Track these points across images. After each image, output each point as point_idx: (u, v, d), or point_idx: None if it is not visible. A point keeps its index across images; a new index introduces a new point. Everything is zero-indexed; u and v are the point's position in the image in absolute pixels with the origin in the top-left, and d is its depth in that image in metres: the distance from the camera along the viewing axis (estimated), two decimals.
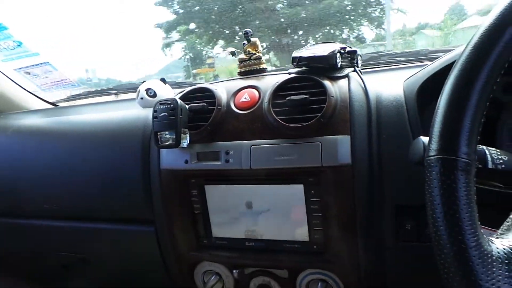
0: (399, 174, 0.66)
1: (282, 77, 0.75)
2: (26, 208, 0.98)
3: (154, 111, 0.73)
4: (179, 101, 0.72)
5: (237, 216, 0.77)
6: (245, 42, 0.84)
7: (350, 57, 0.77)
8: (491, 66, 0.35)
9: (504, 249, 0.33)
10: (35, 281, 1.25)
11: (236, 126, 0.74)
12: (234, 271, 0.79)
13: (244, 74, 0.85)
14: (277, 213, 0.73)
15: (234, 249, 0.79)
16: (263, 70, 0.85)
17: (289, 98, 0.70)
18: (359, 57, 0.80)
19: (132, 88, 1.36)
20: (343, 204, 0.68)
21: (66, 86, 1.35)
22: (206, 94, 0.79)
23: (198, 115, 0.77)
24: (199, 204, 0.79)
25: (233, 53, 0.90)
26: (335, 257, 0.71)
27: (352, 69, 0.75)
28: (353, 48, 0.78)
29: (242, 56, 0.85)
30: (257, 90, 0.76)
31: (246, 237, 0.77)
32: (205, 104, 0.76)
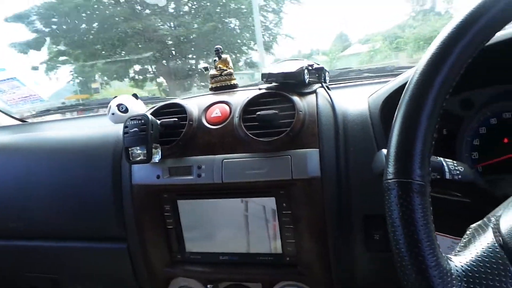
0: (366, 185, 0.68)
1: (252, 93, 0.76)
2: None
3: (125, 127, 0.73)
4: (150, 116, 0.73)
5: (210, 230, 0.77)
6: (216, 58, 0.86)
7: (318, 73, 0.79)
8: (437, 90, 0.37)
9: (462, 266, 0.35)
10: None
11: (207, 141, 0.75)
12: (208, 286, 0.79)
13: (215, 89, 0.86)
14: (250, 226, 0.74)
15: (208, 264, 0.78)
16: (234, 86, 0.86)
17: (259, 113, 0.71)
18: (326, 74, 0.83)
19: (103, 103, 1.35)
20: (314, 216, 0.69)
21: (34, 101, 1.32)
22: (178, 110, 0.79)
23: (170, 130, 0.77)
24: (172, 219, 0.78)
25: (205, 69, 0.92)
26: (308, 269, 0.72)
27: (320, 85, 0.78)
28: (320, 65, 0.80)
29: (213, 72, 0.86)
30: (228, 105, 0.77)
31: (220, 251, 0.77)
32: (176, 119, 0.77)
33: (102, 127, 0.94)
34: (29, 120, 1.35)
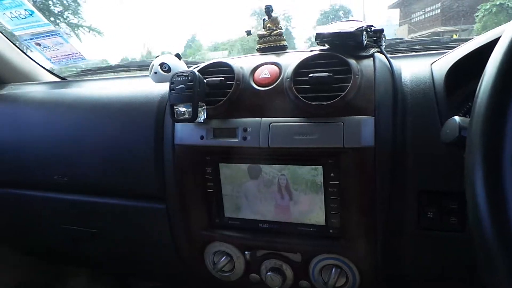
0: (424, 158, 0.63)
1: (304, 54, 0.72)
2: (35, 179, 0.96)
3: (171, 83, 0.71)
4: (197, 73, 0.70)
5: (252, 197, 0.74)
6: (266, 17, 0.81)
7: (376, 36, 0.73)
8: None
9: None
10: (43, 253, 1.25)
11: (254, 103, 0.71)
12: (245, 252, 0.77)
13: (263, 50, 0.82)
14: (293, 195, 0.71)
15: (247, 230, 0.77)
16: (284, 47, 0.81)
17: (311, 75, 0.67)
18: (384, 37, 0.76)
19: (144, 65, 1.33)
20: (363, 188, 0.65)
21: (77, 60, 1.32)
22: (225, 69, 0.76)
23: (216, 90, 0.74)
24: (213, 182, 0.77)
25: (248, 33, 0.87)
26: (352, 243, 0.69)
27: (378, 49, 0.72)
28: (380, 27, 0.74)
29: (262, 32, 0.82)
30: (277, 66, 0.73)
31: (260, 218, 0.75)
32: (223, 78, 0.74)
33: (145, 86, 0.92)
34: (70, 79, 1.36)
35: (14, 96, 1.04)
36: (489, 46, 0.60)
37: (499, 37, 0.38)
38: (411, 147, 0.64)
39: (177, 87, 0.70)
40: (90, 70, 1.46)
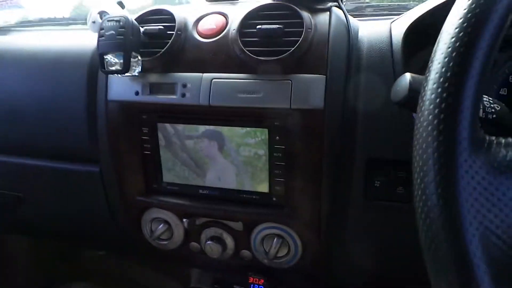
0: (374, 123, 0.59)
1: (254, 4, 0.64)
2: None
3: (101, 29, 0.62)
4: (130, 18, 0.61)
5: (191, 160, 0.68)
6: None
7: None
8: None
9: None
10: None
11: (196, 56, 0.64)
12: (184, 220, 0.72)
13: (212, 0, 0.74)
14: (235, 160, 0.66)
15: (186, 196, 0.71)
16: None
17: (259, 27, 0.60)
18: None
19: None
20: (310, 153, 0.61)
21: (11, 7, 1.18)
22: (165, 17, 0.68)
23: (154, 40, 0.66)
24: (150, 144, 0.69)
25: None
26: (295, 212, 0.65)
27: (336, 3, 0.66)
28: None
29: None
30: (224, 17, 0.66)
31: (200, 184, 0.69)
32: (162, 27, 0.65)
33: (81, 37, 0.82)
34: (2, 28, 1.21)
35: None
36: (450, 3, 0.56)
37: None
38: (363, 111, 0.60)
39: (106, 33, 0.61)
40: (30, 21, 1.31)
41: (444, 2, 0.55)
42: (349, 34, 0.61)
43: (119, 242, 0.89)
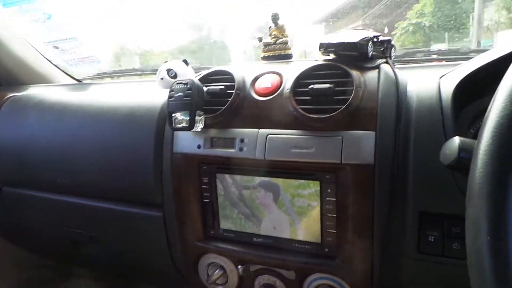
0: (426, 178, 0.59)
1: (307, 64, 0.69)
2: (40, 180, 0.97)
3: (171, 91, 0.70)
4: (196, 81, 0.69)
5: (247, 209, 0.72)
6: (272, 25, 0.79)
7: (383, 47, 0.70)
8: None
9: None
10: (45, 254, 1.27)
11: (253, 113, 0.69)
12: (239, 266, 0.75)
13: (267, 59, 0.80)
14: (289, 211, 0.69)
15: (241, 243, 0.74)
16: (289, 56, 0.79)
17: (312, 86, 0.64)
18: (393, 48, 0.73)
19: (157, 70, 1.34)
20: (361, 206, 0.62)
21: (92, 62, 1.35)
22: (226, 77, 0.75)
23: (216, 98, 0.73)
24: (209, 192, 0.75)
25: (260, 39, 0.86)
26: (347, 263, 0.66)
27: (384, 60, 0.69)
28: (387, 38, 0.71)
29: (267, 40, 0.80)
30: (279, 76, 0.71)
31: (254, 232, 0.73)
32: (223, 87, 0.72)
33: (151, 93, 0.92)
34: (85, 81, 1.38)
35: (27, 98, 1.07)
36: (504, 60, 0.56)
37: None
38: (413, 166, 0.60)
39: (175, 95, 0.69)
40: (105, 73, 1.49)
41: (497, 59, 0.56)
42: (398, 91, 0.63)
43: (176, 283, 0.93)
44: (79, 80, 1.38)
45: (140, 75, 1.45)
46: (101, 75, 1.47)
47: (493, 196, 0.28)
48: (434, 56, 1.03)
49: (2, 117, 1.04)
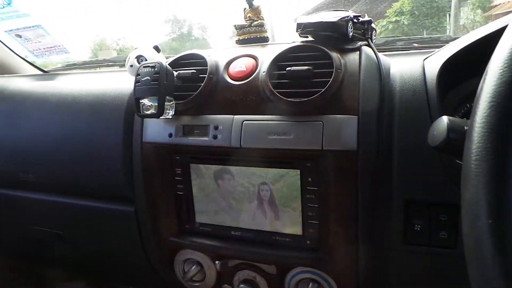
0: (411, 164, 0.57)
1: (283, 46, 0.65)
2: (2, 176, 0.90)
3: (137, 75, 0.65)
4: (164, 64, 0.64)
5: (224, 201, 0.68)
6: (246, 6, 0.75)
7: (364, 28, 0.67)
8: None
9: None
10: (11, 255, 1.19)
11: (228, 98, 0.65)
12: (216, 262, 0.71)
13: (242, 42, 0.76)
14: (268, 202, 0.65)
15: (218, 238, 0.70)
16: (265, 39, 0.75)
17: (289, 68, 0.60)
18: (374, 32, 0.70)
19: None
20: (344, 196, 0.59)
21: (60, 52, 1.27)
22: (198, 61, 0.70)
23: (187, 83, 0.68)
24: (183, 184, 0.70)
25: (236, 27, 0.80)
26: (330, 256, 0.62)
27: (365, 42, 0.65)
28: (368, 19, 0.67)
29: (242, 22, 0.75)
30: (254, 59, 0.67)
31: (232, 225, 0.69)
32: (194, 71, 0.67)
33: (120, 81, 0.86)
34: (52, 72, 1.30)
35: None
36: (489, 40, 0.54)
37: (502, 29, 0.32)
38: (398, 151, 0.57)
39: (142, 79, 0.64)
40: (74, 64, 1.40)
41: (481, 39, 0.53)
42: (381, 73, 0.60)
43: (151, 280, 0.88)
44: (45, 71, 1.30)
45: (112, 65, 1.38)
46: (71, 67, 1.39)
47: (493, 174, 0.25)
48: (415, 45, 1.01)
49: None
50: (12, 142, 0.87)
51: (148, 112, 0.64)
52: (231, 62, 0.68)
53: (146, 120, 0.71)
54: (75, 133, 0.81)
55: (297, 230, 0.64)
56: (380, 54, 0.63)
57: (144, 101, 0.65)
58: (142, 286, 1.12)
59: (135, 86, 0.65)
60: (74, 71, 1.34)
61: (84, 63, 1.42)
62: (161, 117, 0.65)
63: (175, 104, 0.66)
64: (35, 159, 0.86)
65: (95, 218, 0.83)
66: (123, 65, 1.33)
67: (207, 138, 0.65)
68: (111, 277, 1.10)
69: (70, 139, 0.82)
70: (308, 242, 0.64)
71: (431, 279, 0.60)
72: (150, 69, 0.63)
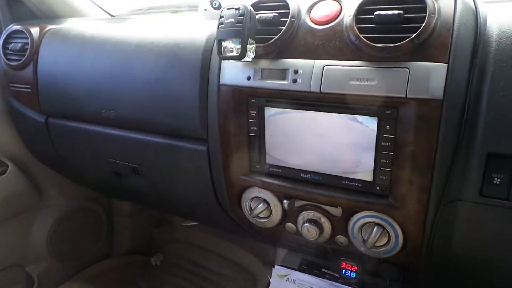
0: (500, 117, 0.55)
1: None
2: (84, 112, 0.98)
3: (221, 17, 0.66)
4: (249, 7, 0.64)
5: (296, 145, 0.70)
6: None
7: None
8: None
9: None
10: (89, 185, 1.32)
11: (309, 43, 0.65)
12: (284, 201, 0.75)
13: None
14: (341, 147, 0.66)
15: (288, 179, 0.74)
16: None
17: (378, 13, 0.59)
18: None
19: (196, 6, 1.28)
20: (423, 145, 0.59)
21: None
22: (279, 4, 0.69)
23: (268, 27, 0.68)
24: (256, 126, 0.73)
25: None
26: (400, 203, 0.64)
27: None
28: None
29: None
30: (338, 3, 0.65)
31: (303, 168, 0.72)
32: (276, 14, 0.67)
33: (194, 24, 0.88)
34: (119, 16, 1.35)
35: (66, 31, 1.04)
36: None
37: None
38: (487, 104, 0.56)
39: (226, 21, 0.65)
40: (141, 9, 1.44)
41: None
42: (477, 20, 0.57)
43: (218, 217, 0.95)
44: (112, 15, 1.35)
45: (176, 11, 1.40)
46: (136, 12, 1.42)
47: None
48: None
49: (44, 49, 1.03)
50: (95, 81, 0.93)
51: (230, 54, 0.66)
52: (314, 6, 0.67)
53: (224, 62, 0.73)
54: (154, 75, 0.85)
55: (367, 176, 0.66)
56: (477, 0, 0.59)
57: (226, 43, 0.66)
58: (209, 224, 1.21)
59: (218, 28, 0.66)
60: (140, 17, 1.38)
61: (150, 8, 1.45)
62: (241, 60, 0.66)
63: (256, 47, 0.67)
64: (116, 98, 0.91)
65: (169, 155, 0.89)
66: (188, 10, 1.36)
67: (286, 82, 0.66)
68: (180, 211, 1.20)
69: (149, 80, 0.86)
70: (377, 188, 0.66)
71: (503, 233, 0.60)
72: (234, 11, 0.64)
